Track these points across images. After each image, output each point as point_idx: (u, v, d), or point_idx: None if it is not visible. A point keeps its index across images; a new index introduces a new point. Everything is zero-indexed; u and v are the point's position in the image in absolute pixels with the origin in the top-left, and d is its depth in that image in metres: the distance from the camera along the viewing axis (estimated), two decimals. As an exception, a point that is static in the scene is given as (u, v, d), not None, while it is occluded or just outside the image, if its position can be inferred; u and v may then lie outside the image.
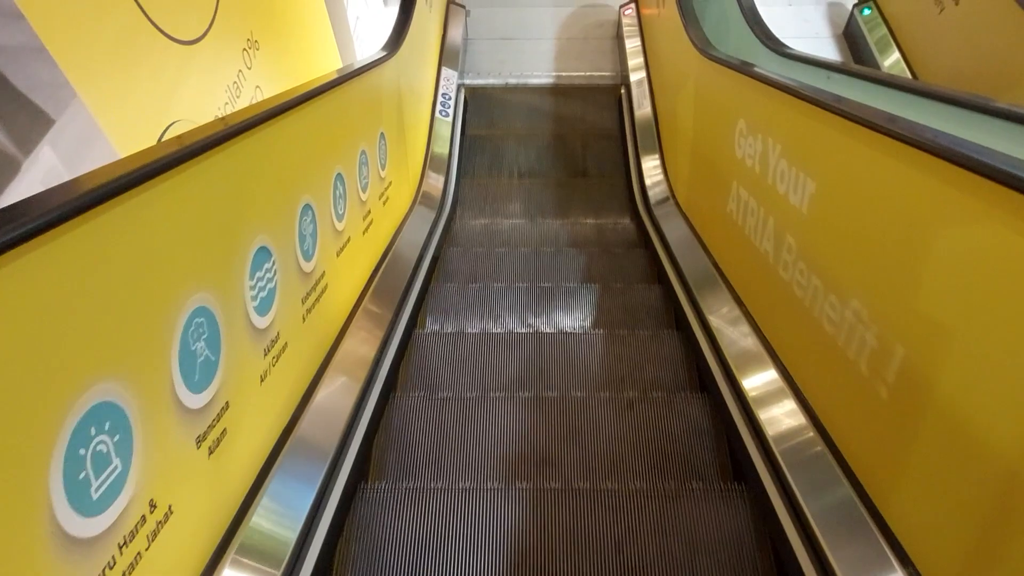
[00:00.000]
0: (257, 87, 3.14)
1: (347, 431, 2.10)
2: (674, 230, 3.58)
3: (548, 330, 3.12)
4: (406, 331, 2.90)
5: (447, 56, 5.37)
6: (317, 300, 2.09)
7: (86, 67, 1.83)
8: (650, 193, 4.23)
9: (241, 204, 1.56)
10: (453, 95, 5.16)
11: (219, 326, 1.40)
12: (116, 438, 1.06)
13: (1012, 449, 1.13)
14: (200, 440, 1.33)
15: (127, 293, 1.11)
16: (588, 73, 5.98)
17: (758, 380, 2.22)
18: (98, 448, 1.01)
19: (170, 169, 1.23)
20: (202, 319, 1.33)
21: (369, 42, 5.20)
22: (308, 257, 2.01)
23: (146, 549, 1.14)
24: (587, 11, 6.49)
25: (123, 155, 1.27)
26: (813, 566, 1.64)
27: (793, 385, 2.05)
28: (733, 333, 2.51)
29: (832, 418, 1.82)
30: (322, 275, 2.14)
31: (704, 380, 2.64)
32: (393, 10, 4.05)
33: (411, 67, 4.04)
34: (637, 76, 5.28)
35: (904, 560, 1.43)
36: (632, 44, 5.59)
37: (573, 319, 3.25)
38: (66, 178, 1.12)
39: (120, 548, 1.07)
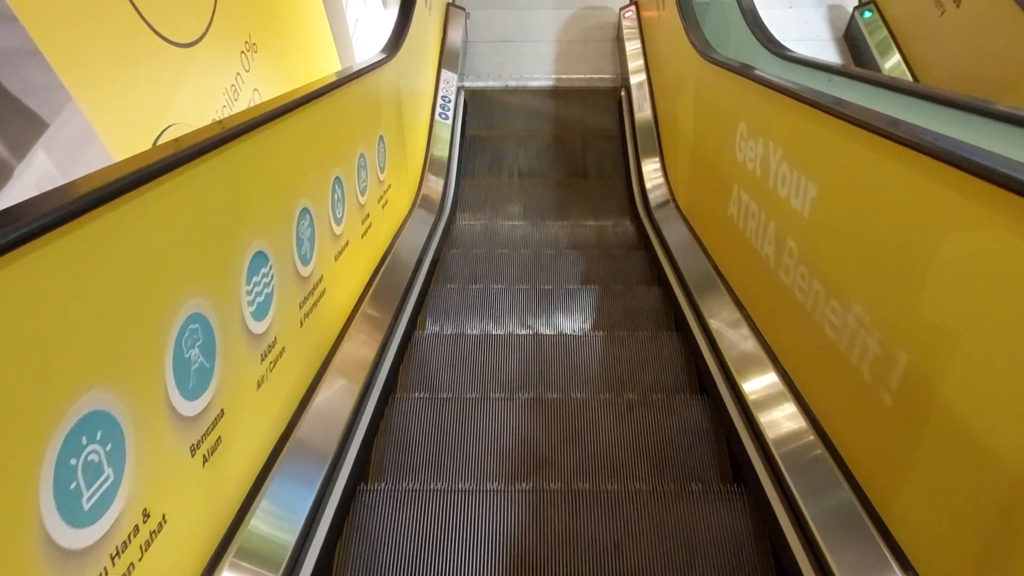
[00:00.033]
0: (255, 90, 3.12)
1: (345, 435, 2.08)
2: (674, 233, 3.57)
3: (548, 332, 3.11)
4: (405, 334, 2.89)
5: (447, 58, 5.36)
6: (315, 305, 2.07)
7: (81, 70, 1.81)
8: (650, 196, 4.21)
9: (237, 208, 1.55)
10: (453, 97, 5.15)
11: (214, 332, 1.39)
12: (108, 447, 1.04)
13: (1017, 456, 1.11)
14: (194, 448, 1.32)
15: (120, 300, 1.09)
16: (588, 75, 5.96)
17: (758, 383, 2.21)
18: (90, 458, 1.00)
19: (164, 173, 1.22)
20: (197, 325, 1.32)
21: (369, 44, 5.19)
22: (306, 261, 1.99)
23: (139, 559, 1.12)
24: (587, 13, 6.48)
25: (119, 159, 1.25)
26: (813, 570, 1.63)
27: (793, 388, 2.03)
28: (734, 337, 2.49)
29: (833, 422, 1.81)
30: (320, 279, 2.13)
31: (704, 383, 2.63)
32: (393, 12, 4.04)
33: (410, 69, 4.03)
34: (637, 79, 5.27)
35: (905, 565, 1.42)
36: (632, 46, 5.58)
37: (573, 323, 3.24)
38: (60, 182, 1.10)
39: (112, 559, 1.05)
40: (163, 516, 1.20)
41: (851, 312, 1.64)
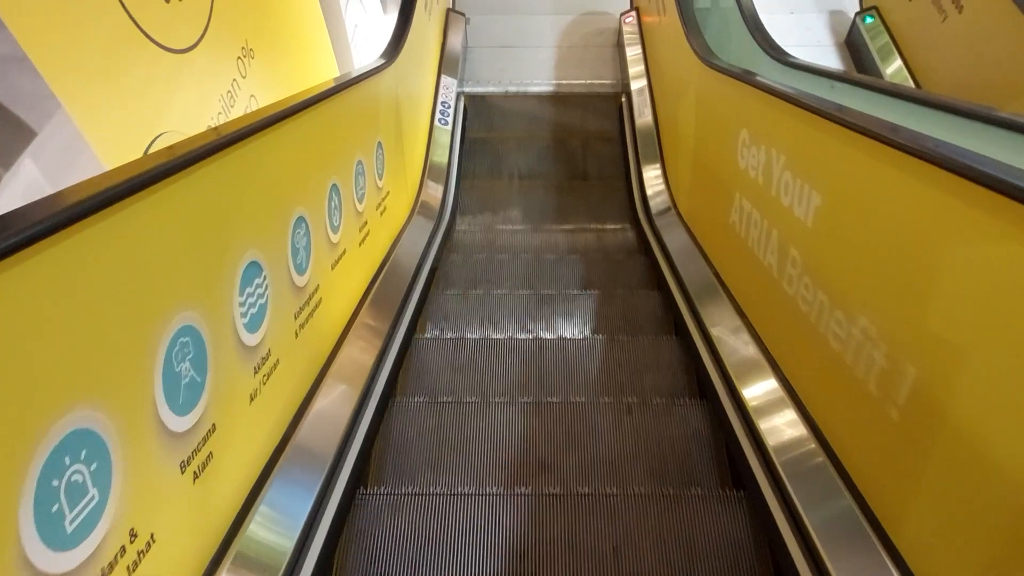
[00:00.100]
0: (252, 96, 3.09)
1: (342, 445, 2.05)
2: (675, 240, 3.54)
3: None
4: (404, 341, 2.86)
5: (446, 64, 5.34)
6: (311, 315, 2.04)
7: (71, 77, 1.78)
8: (651, 203, 4.19)
9: (230, 218, 1.52)
10: (452, 103, 5.13)
11: (206, 345, 1.36)
12: (93, 467, 1.01)
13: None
14: (185, 464, 1.28)
15: (107, 314, 1.06)
16: (588, 81, 5.94)
17: (759, 390, 2.19)
18: (73, 478, 0.97)
19: (155, 183, 1.19)
20: (187, 338, 1.29)
21: (368, 50, 5.16)
22: (301, 271, 1.96)
23: (126, 581, 1.09)
24: (587, 19, 6.47)
25: (110, 168, 1.22)
26: (813, 576, 1.61)
27: (795, 396, 2.01)
28: (736, 345, 2.46)
29: (834, 430, 1.79)
30: (316, 289, 2.10)
31: (704, 389, 2.61)
32: (392, 17, 4.02)
33: (410, 75, 4.00)
34: (638, 84, 5.24)
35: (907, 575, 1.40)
36: (633, 52, 5.56)
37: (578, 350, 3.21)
38: (48, 192, 1.08)
39: (97, 582, 1.02)
40: (151, 535, 1.17)
41: (856, 324, 1.61)
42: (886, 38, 5.39)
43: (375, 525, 2.00)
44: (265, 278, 1.67)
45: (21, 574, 0.88)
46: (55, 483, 0.93)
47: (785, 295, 2.07)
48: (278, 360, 1.77)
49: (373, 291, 2.78)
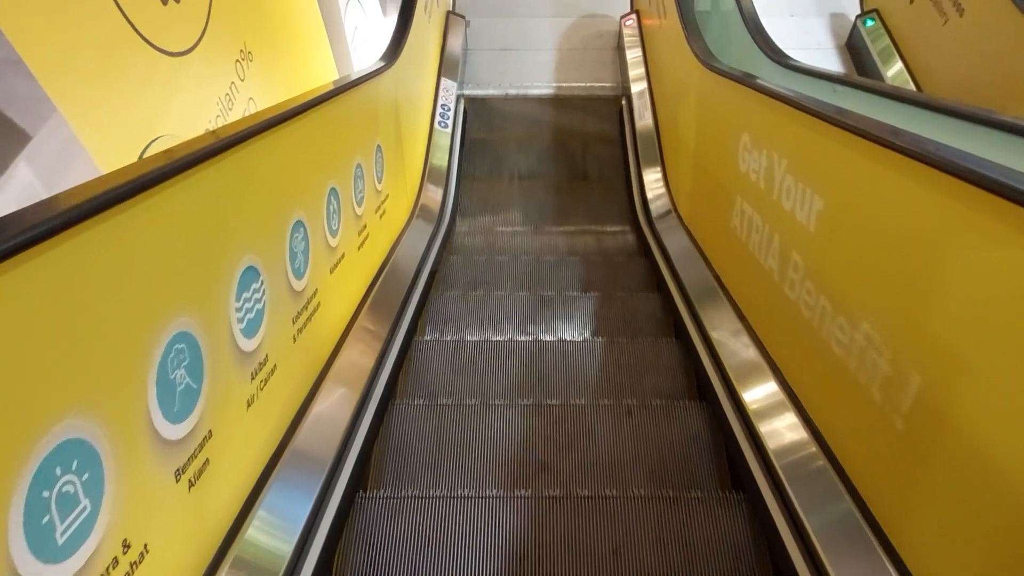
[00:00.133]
0: (251, 99, 3.08)
1: (341, 451, 2.04)
2: (676, 245, 3.52)
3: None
4: (403, 344, 2.84)
5: (446, 66, 5.32)
6: (309, 319, 2.03)
7: (67, 80, 1.77)
8: (652, 206, 4.17)
9: (227, 222, 1.50)
10: (452, 106, 5.11)
11: (202, 352, 1.34)
12: (85, 477, 0.99)
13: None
14: (179, 473, 1.27)
15: (101, 321, 1.04)
16: (588, 84, 5.93)
17: (760, 393, 2.18)
18: (64, 489, 0.95)
19: (150, 187, 1.17)
20: (183, 345, 1.27)
21: (368, 52, 5.15)
22: (299, 275, 1.94)
23: (118, 593, 1.07)
24: (587, 21, 6.45)
25: (106, 172, 1.21)
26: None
27: (795, 400, 2.01)
28: (737, 351, 2.45)
29: (835, 434, 1.78)
30: (314, 293, 2.08)
31: (704, 392, 2.61)
32: (392, 20, 4.00)
33: (409, 78, 3.99)
34: (638, 87, 5.23)
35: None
36: (633, 55, 5.55)
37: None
38: (43, 196, 1.06)
39: (89, 594, 1.00)
40: (145, 546, 1.15)
41: (859, 329, 1.59)
42: (887, 41, 5.38)
43: (374, 528, 1.99)
44: (262, 283, 1.66)
45: (10, 587, 0.86)
46: (45, 494, 0.91)
47: (787, 299, 2.05)
48: (276, 365, 1.75)
49: (372, 294, 2.76)
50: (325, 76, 4.33)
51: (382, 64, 3.30)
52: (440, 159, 4.70)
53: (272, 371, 1.73)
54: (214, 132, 1.58)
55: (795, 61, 3.35)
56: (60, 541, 0.94)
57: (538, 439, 2.38)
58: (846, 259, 1.70)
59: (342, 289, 2.43)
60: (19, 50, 1.58)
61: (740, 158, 2.55)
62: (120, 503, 1.07)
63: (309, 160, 2.11)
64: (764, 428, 2.06)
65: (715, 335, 2.61)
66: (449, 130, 4.94)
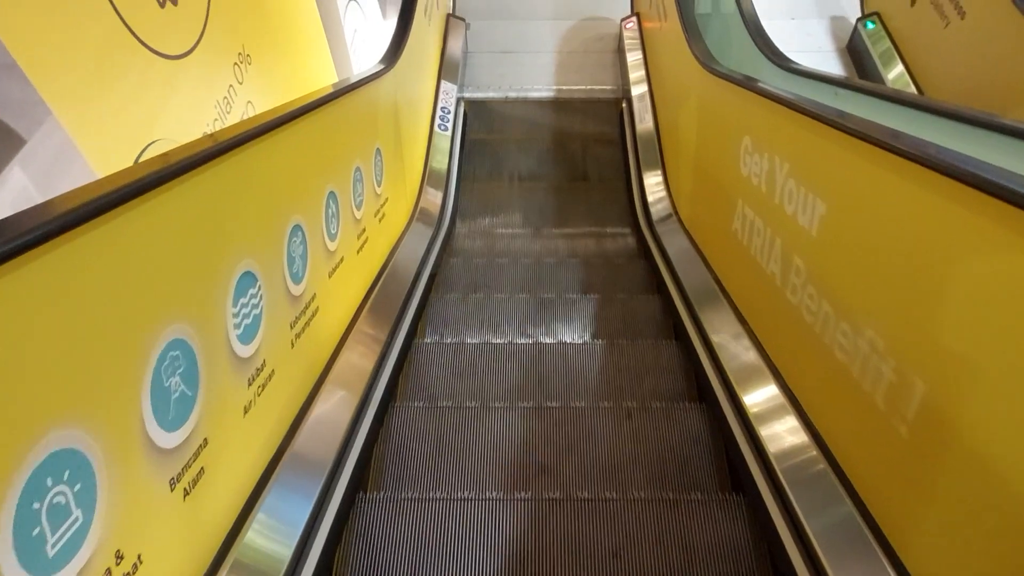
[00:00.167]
0: (249, 102, 3.06)
1: (340, 455, 2.02)
2: (677, 249, 3.51)
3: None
4: (403, 349, 2.83)
5: (446, 69, 5.31)
6: (307, 324, 2.01)
7: (62, 84, 1.75)
8: (652, 209, 4.16)
9: (224, 227, 1.49)
10: (452, 109, 5.10)
11: (197, 359, 1.32)
12: (77, 487, 0.97)
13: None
14: (174, 482, 1.25)
15: (94, 329, 1.03)
16: (588, 87, 5.92)
17: (761, 397, 2.17)
18: (55, 500, 0.93)
19: (145, 192, 1.15)
20: (178, 352, 1.25)
21: (367, 55, 5.14)
22: (297, 280, 1.93)
23: (111, 605, 1.06)
24: (587, 24, 6.45)
25: (102, 176, 1.19)
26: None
27: (796, 403, 2.00)
28: (739, 356, 2.43)
29: (837, 439, 1.77)
30: (312, 298, 2.06)
31: (705, 395, 2.60)
32: (392, 22, 3.99)
33: (409, 80, 3.97)
34: (638, 90, 5.22)
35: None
36: (634, 57, 5.54)
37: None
38: (38, 200, 1.04)
39: (80, 607, 0.99)
40: (139, 556, 1.13)
41: (862, 335, 1.58)
42: (887, 44, 5.37)
43: (373, 531, 1.99)
44: (260, 288, 1.64)
45: (-1, 601, 0.84)
46: (36, 506, 0.90)
47: (788, 304, 2.04)
48: (273, 371, 1.74)
49: (371, 298, 2.74)
50: (324, 79, 4.32)
51: (381, 67, 3.29)
52: (440, 162, 4.68)
53: (270, 377, 1.71)
54: (212, 135, 1.57)
55: (796, 64, 3.33)
56: (51, 553, 0.92)
57: (538, 441, 2.38)
58: (849, 264, 1.69)
59: (341, 293, 2.42)
60: (14, 54, 1.57)
61: (741, 161, 2.54)
62: (113, 514, 1.05)
63: (307, 164, 2.09)
64: (765, 431, 2.05)
65: (715, 338, 2.60)
66: (449, 133, 4.93)
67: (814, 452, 1.83)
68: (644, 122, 4.91)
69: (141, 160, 2.14)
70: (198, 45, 2.59)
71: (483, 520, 2.01)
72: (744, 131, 2.54)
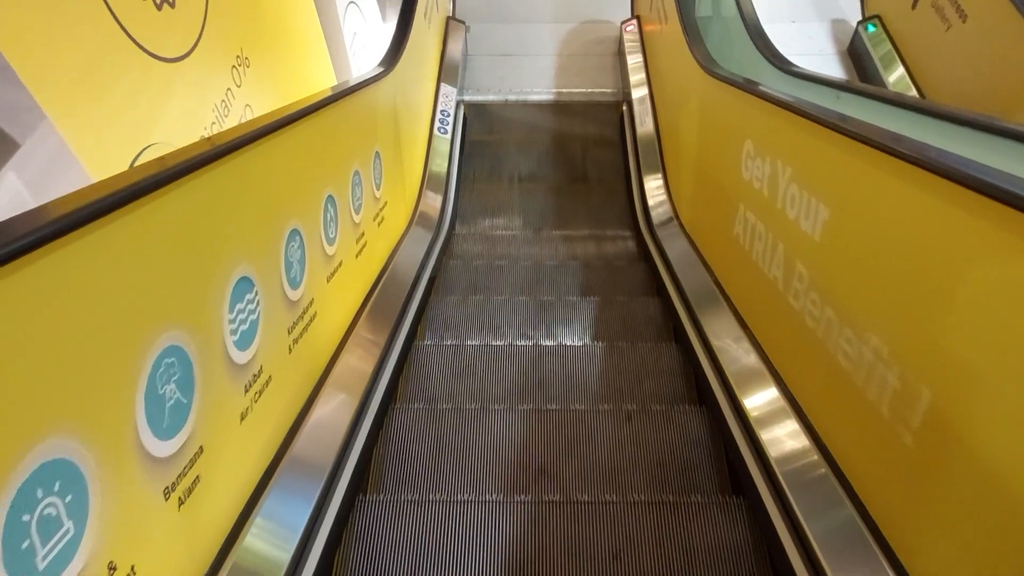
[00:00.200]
0: (247, 106, 3.05)
1: (338, 460, 2.01)
2: (678, 253, 3.49)
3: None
4: (402, 353, 2.81)
5: (446, 72, 5.30)
6: (305, 329, 1.99)
7: (57, 88, 1.73)
8: (653, 213, 4.14)
9: (221, 232, 1.47)
10: (452, 112, 5.09)
11: (192, 366, 1.31)
12: (68, 498, 0.95)
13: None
14: (169, 491, 1.23)
15: (87, 336, 1.01)
16: (588, 90, 5.91)
17: (761, 400, 2.17)
18: (46, 512, 0.91)
19: (140, 197, 1.14)
20: (173, 359, 1.23)
21: (367, 58, 5.12)
22: (295, 285, 1.91)
23: (103, 617, 1.04)
24: (587, 27, 6.44)
25: (98, 180, 1.17)
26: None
27: (797, 407, 1.99)
28: (737, 354, 2.42)
29: (838, 443, 1.76)
30: (311, 303, 2.04)
31: (705, 398, 2.59)
32: (392, 25, 3.98)
33: (408, 83, 3.96)
34: (639, 93, 5.20)
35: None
36: (634, 60, 5.52)
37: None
38: (33, 206, 1.03)
39: (72, 620, 0.97)
40: (132, 567, 1.11)
41: (866, 342, 1.56)
42: (888, 47, 5.35)
43: (373, 533, 1.99)
44: (257, 293, 1.62)
45: (-13, 616, 0.82)
46: (26, 518, 0.88)
47: (790, 309, 2.02)
48: (270, 377, 1.72)
49: (371, 302, 2.73)
50: (323, 82, 4.30)
51: (381, 70, 3.27)
52: (440, 165, 4.67)
53: (267, 383, 1.69)
54: (209, 139, 1.55)
55: (798, 67, 3.32)
56: (41, 566, 0.90)
57: (538, 444, 2.38)
58: (853, 270, 1.67)
59: (339, 298, 2.40)
60: (7, 56, 1.55)
61: (743, 165, 2.52)
62: (105, 525, 1.03)
63: (305, 168, 2.08)
64: (765, 434, 2.05)
65: (716, 342, 2.60)
66: (449, 136, 4.91)
67: (815, 456, 1.82)
68: (644, 125, 4.90)
69: (136, 164, 2.12)
70: (196, 48, 2.57)
71: (483, 522, 2.01)
72: (746, 135, 2.52)
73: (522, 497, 2.09)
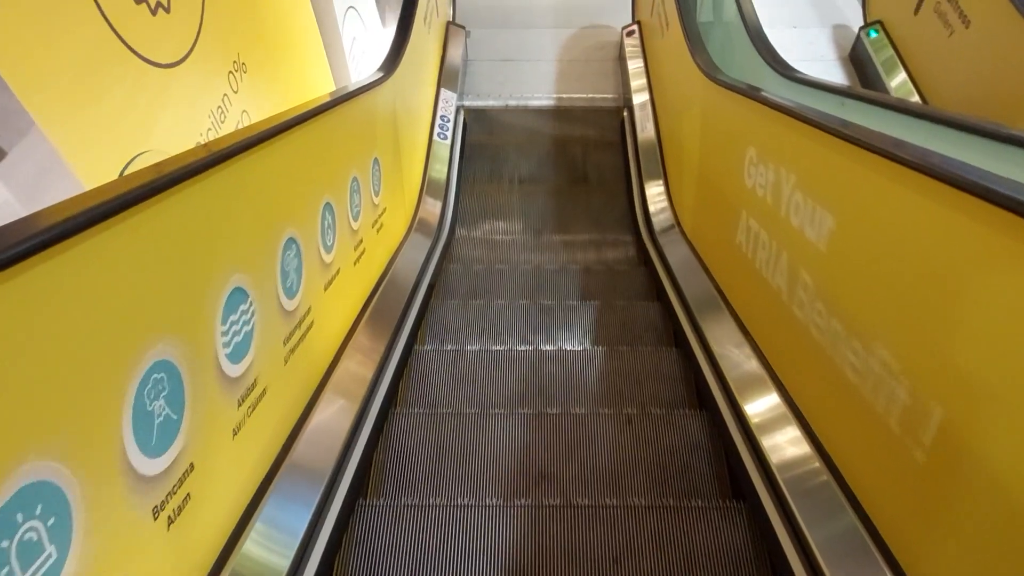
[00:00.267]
0: (244, 112, 3.02)
1: (335, 473, 1.97)
2: (680, 260, 3.46)
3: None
4: (400, 362, 2.78)
5: (446, 77, 5.28)
6: (301, 339, 1.96)
7: (47, 94, 1.69)
8: (654, 220, 4.11)
9: (214, 242, 1.44)
10: (452, 117, 5.06)
11: (183, 380, 1.27)
12: (50, 522, 0.92)
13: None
14: (158, 510, 1.19)
15: (71, 351, 0.97)
16: (589, 95, 5.88)
17: (763, 406, 2.16)
18: (26, 537, 0.88)
19: (129, 207, 1.10)
20: (162, 374, 1.20)
21: (366, 63, 5.10)
22: (291, 294, 1.88)
23: (87, 644, 1.00)
24: (588, 32, 6.42)
25: (90, 189, 1.14)
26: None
27: (798, 414, 1.97)
28: (741, 366, 2.39)
29: (841, 450, 1.75)
30: (307, 312, 2.01)
31: (707, 404, 2.57)
32: (391, 30, 3.95)
33: (408, 89, 3.93)
34: (640, 99, 5.18)
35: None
36: (635, 66, 5.50)
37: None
38: (20, 215, 0.99)
39: (54, 648, 0.93)
40: (118, 590, 1.08)
41: (875, 355, 1.52)
42: (891, 52, 5.33)
43: (373, 538, 1.97)
44: (251, 304, 1.59)
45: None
46: (5, 544, 0.84)
47: (795, 319, 1.99)
48: (265, 389, 1.68)
49: (370, 309, 2.70)
50: (322, 87, 4.28)
51: (380, 75, 3.24)
52: (439, 171, 4.64)
53: (261, 395, 1.66)
54: (205, 145, 1.52)
55: (800, 73, 3.29)
56: (21, 594, 0.87)
57: (538, 448, 2.38)
58: (860, 280, 1.64)
59: (338, 306, 2.37)
60: (-5, 62, 1.52)
61: (746, 172, 2.49)
62: (90, 548, 1.00)
63: (302, 175, 2.04)
64: (767, 441, 2.04)
65: (717, 348, 2.58)
66: (448, 141, 4.89)
67: (817, 463, 1.82)
68: (646, 131, 4.87)
69: (127, 172, 2.09)
70: (191, 53, 2.54)
71: (483, 527, 2.01)
72: (749, 142, 2.49)
73: (522, 501, 2.09)
